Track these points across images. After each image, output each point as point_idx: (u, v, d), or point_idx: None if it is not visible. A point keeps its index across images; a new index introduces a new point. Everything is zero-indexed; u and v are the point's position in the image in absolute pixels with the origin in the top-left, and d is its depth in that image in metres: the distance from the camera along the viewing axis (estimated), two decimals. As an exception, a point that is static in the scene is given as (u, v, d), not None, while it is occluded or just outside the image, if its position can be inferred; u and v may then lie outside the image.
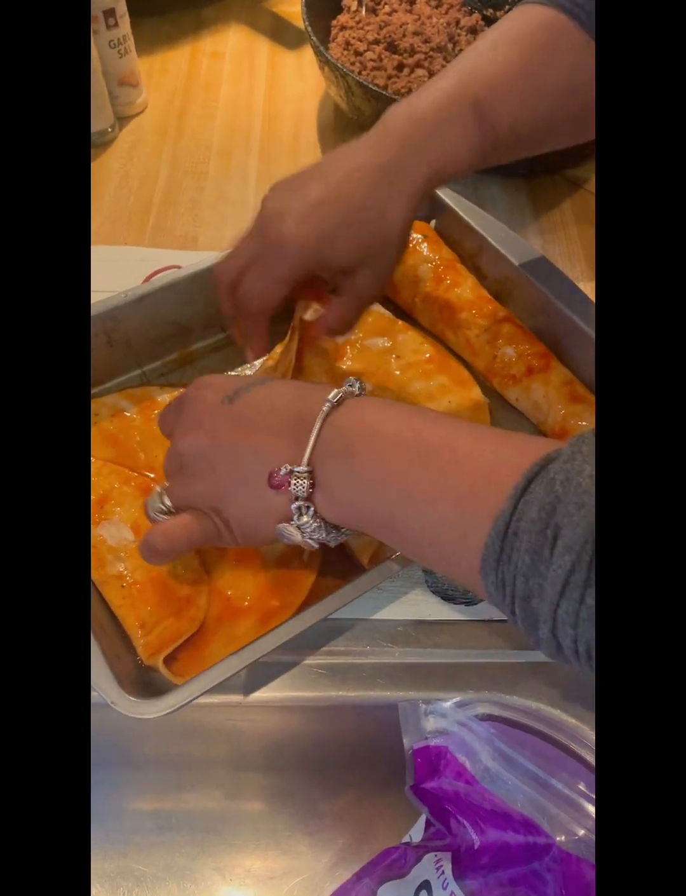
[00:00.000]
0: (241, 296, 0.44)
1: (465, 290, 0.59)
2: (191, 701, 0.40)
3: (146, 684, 0.44)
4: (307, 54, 0.87)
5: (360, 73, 0.73)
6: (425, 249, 0.61)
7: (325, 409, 0.35)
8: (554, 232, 0.72)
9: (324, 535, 0.37)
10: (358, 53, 0.76)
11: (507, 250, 0.58)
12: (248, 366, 0.58)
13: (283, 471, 0.35)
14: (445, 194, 0.61)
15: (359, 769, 0.57)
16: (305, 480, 0.35)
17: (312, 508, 0.36)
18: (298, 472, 0.35)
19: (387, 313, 0.61)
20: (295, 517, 0.36)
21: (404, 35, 0.74)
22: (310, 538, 0.37)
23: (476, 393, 0.57)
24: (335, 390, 0.36)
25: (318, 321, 0.48)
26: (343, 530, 0.37)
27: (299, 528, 0.36)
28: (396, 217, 0.43)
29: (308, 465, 0.35)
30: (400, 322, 0.61)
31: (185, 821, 0.58)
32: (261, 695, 0.47)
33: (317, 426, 0.35)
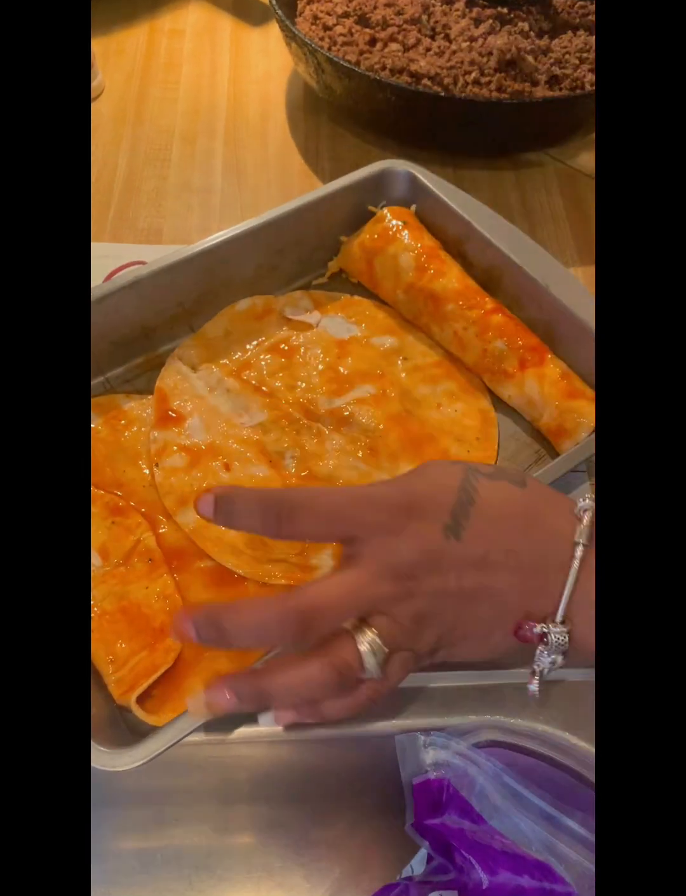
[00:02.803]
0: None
1: (450, 279, 0.55)
2: (169, 747, 0.37)
3: (118, 726, 0.41)
4: (272, 31, 0.82)
5: (330, 48, 0.68)
6: (406, 237, 0.56)
7: (578, 555, 0.32)
8: (541, 212, 0.68)
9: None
10: (327, 28, 0.71)
11: (494, 236, 0.54)
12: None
13: (538, 628, 0.32)
14: (426, 177, 0.57)
15: (352, 797, 0.53)
16: (564, 635, 0.32)
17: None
18: (556, 631, 0.32)
19: (396, 312, 0.58)
20: (546, 669, 0.33)
21: (375, 7, 0.69)
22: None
23: (485, 403, 0.54)
24: (579, 524, 0.32)
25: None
26: None
27: (540, 674, 0.33)
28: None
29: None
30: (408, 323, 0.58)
31: (172, 858, 0.55)
32: (246, 731, 0.43)
33: (571, 579, 0.32)
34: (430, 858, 0.46)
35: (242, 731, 0.44)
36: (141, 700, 0.40)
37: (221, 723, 0.42)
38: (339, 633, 0.32)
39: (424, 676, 0.44)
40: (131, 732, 0.41)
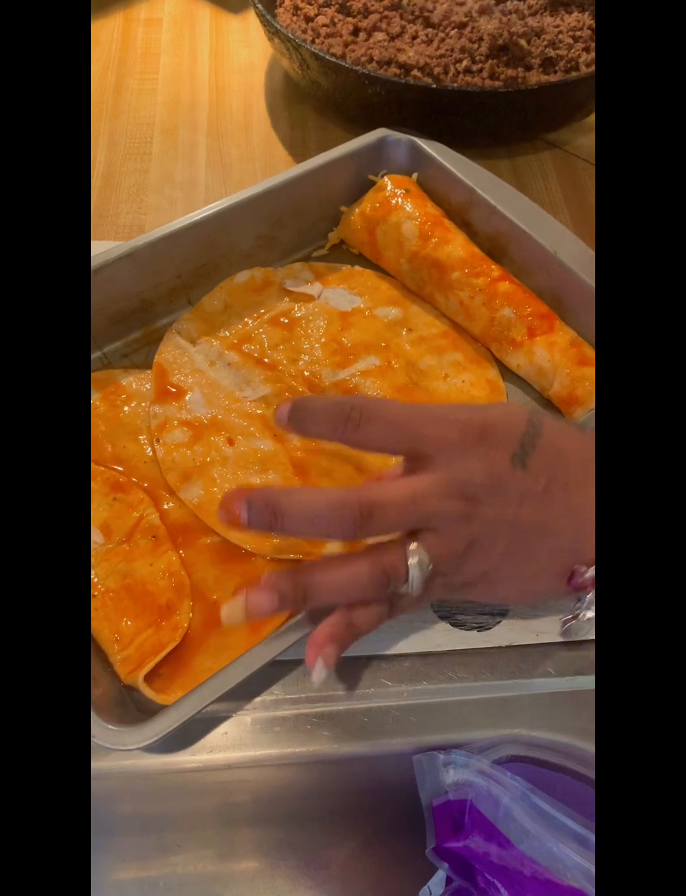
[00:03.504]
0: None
1: (455, 247, 0.53)
2: (180, 724, 0.35)
3: (126, 706, 0.39)
4: (253, 18, 0.80)
5: (313, 41, 0.66)
6: (408, 205, 0.54)
7: None
8: (538, 199, 0.65)
9: None
10: (308, 19, 0.68)
11: (499, 202, 0.52)
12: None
13: (591, 573, 0.32)
14: (427, 144, 0.56)
15: (364, 816, 0.51)
16: None
17: None
18: None
19: (398, 282, 0.56)
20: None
21: (355, -6, 0.67)
22: None
23: (492, 373, 0.52)
24: None
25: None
26: None
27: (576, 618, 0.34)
28: None
29: None
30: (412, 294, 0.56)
31: (174, 887, 0.52)
32: (249, 753, 0.41)
33: None
34: (449, 880, 0.44)
35: (247, 754, 0.41)
36: (148, 679, 0.39)
37: (220, 745, 0.40)
38: (389, 543, 0.32)
39: (438, 690, 0.42)
40: (140, 712, 0.39)
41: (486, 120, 0.63)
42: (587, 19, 0.66)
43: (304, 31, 0.67)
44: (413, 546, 0.32)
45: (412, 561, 0.31)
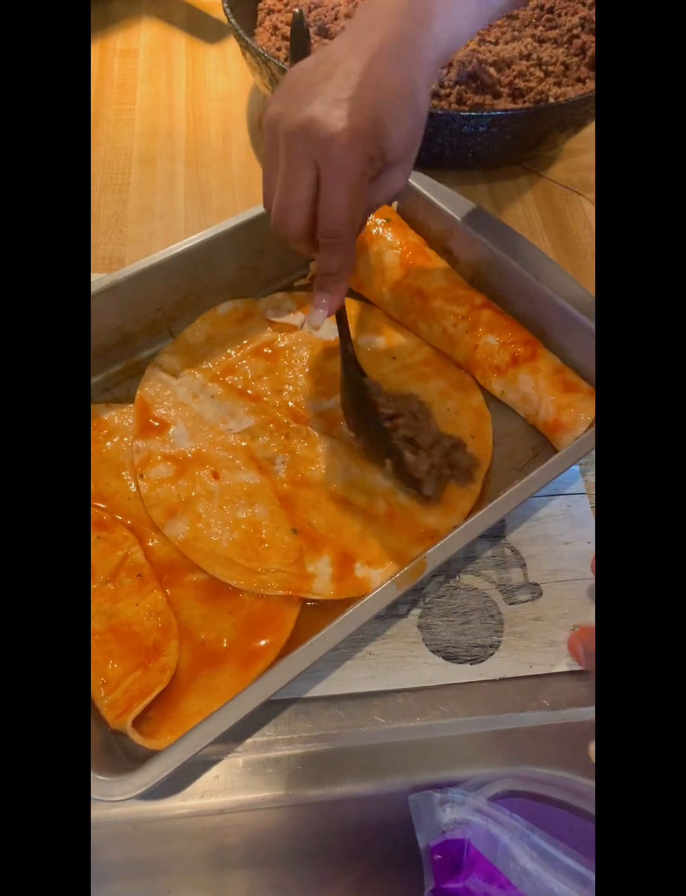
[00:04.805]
0: (325, 227, 0.37)
1: (436, 276, 0.53)
2: (172, 772, 0.34)
3: (113, 753, 0.38)
4: (229, 47, 0.80)
5: (286, 59, 0.66)
6: (389, 235, 0.55)
7: None
8: (517, 224, 0.66)
9: None
10: (286, 39, 0.68)
11: (479, 230, 0.52)
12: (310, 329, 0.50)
13: None
14: None
15: (358, 856, 0.49)
16: None
17: None
18: None
19: (381, 311, 0.57)
20: None
21: (336, 18, 0.67)
22: None
23: (477, 400, 0.52)
24: None
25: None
26: None
27: None
28: (425, 99, 0.37)
29: None
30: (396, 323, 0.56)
31: (167, 933, 0.50)
32: (241, 797, 0.40)
33: None
34: (447, 921, 0.43)
35: (239, 798, 0.40)
36: (137, 723, 0.38)
37: (210, 790, 0.39)
38: None
39: (432, 726, 0.41)
40: (128, 758, 0.38)
41: (451, 142, 0.63)
42: (562, 55, 0.67)
43: (278, 49, 0.67)
44: None
45: None
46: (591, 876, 0.35)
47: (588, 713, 0.42)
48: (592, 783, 0.41)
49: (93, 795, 0.33)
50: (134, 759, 0.37)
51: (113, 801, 0.33)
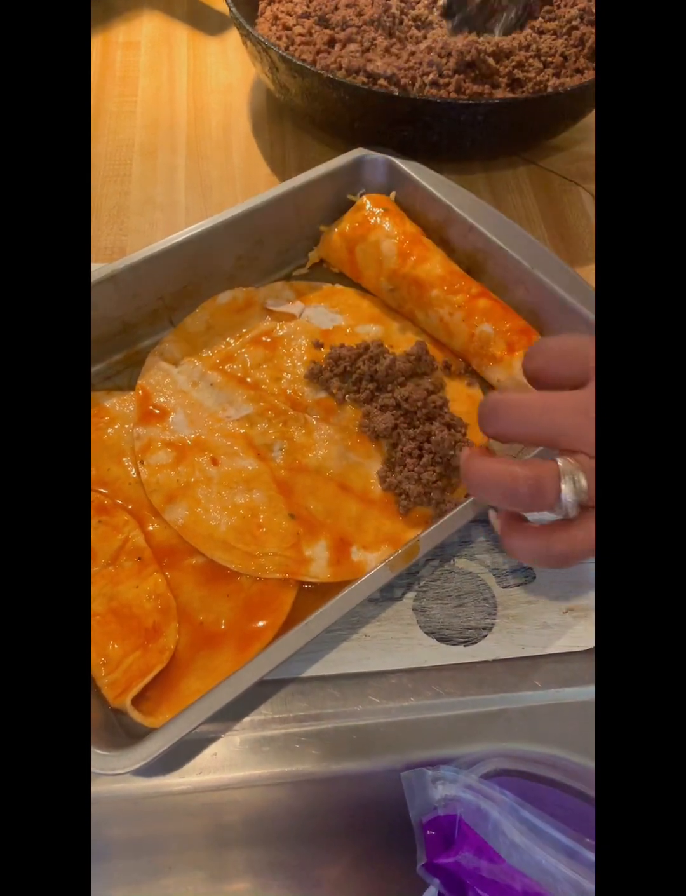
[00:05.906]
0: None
1: (433, 265, 0.53)
2: (170, 747, 0.35)
3: (114, 730, 0.40)
4: (231, 39, 0.80)
5: (287, 48, 0.66)
6: (387, 224, 0.55)
7: None
8: (515, 214, 0.66)
9: None
10: (286, 28, 0.68)
11: (476, 219, 0.53)
12: None
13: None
14: (405, 163, 0.56)
15: (355, 835, 0.51)
16: None
17: None
18: None
19: (379, 300, 0.57)
20: None
21: (337, 7, 0.68)
22: None
23: (474, 388, 0.53)
24: None
25: None
26: None
27: None
28: None
29: None
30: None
31: (166, 910, 0.51)
32: (238, 773, 0.41)
33: None
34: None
35: (236, 775, 0.41)
36: (136, 702, 0.39)
37: (208, 766, 0.40)
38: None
39: (426, 706, 0.42)
40: (128, 735, 0.39)
41: (449, 132, 0.63)
42: (561, 46, 0.67)
43: (280, 38, 0.68)
44: (568, 464, 0.30)
45: (565, 482, 0.29)
46: (580, 850, 0.36)
47: (578, 694, 0.43)
48: (583, 762, 0.42)
49: (94, 769, 0.34)
50: (134, 736, 0.38)
51: (113, 774, 0.34)
